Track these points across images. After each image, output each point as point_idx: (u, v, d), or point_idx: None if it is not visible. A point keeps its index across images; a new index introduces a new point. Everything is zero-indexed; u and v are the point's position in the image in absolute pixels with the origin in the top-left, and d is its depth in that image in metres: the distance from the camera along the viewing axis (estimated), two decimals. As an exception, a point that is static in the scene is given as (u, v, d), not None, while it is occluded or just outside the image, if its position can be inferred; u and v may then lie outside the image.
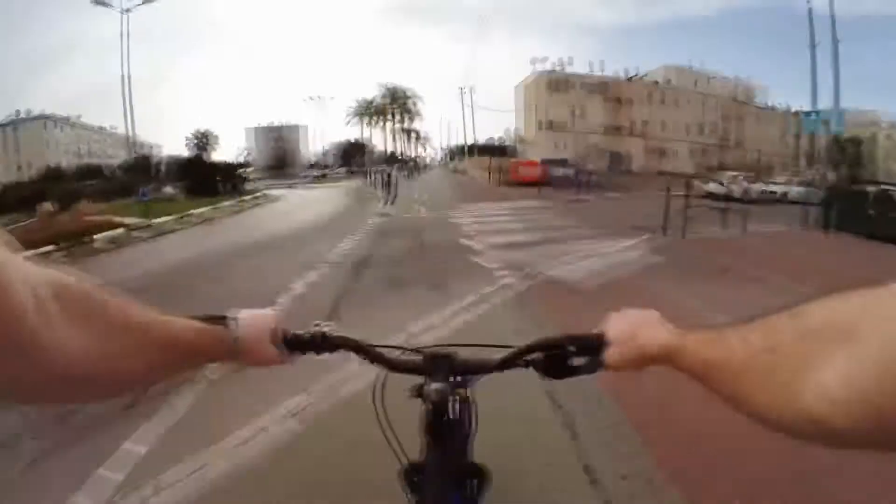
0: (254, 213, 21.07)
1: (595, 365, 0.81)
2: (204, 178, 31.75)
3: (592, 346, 0.81)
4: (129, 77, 29.31)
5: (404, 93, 31.13)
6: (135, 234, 13.41)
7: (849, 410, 0.36)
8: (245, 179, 37.97)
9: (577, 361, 0.84)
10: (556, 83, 52.52)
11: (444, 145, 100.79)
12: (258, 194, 30.48)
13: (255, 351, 0.78)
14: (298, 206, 22.81)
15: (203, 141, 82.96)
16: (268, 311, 0.84)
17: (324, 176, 56.03)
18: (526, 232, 11.15)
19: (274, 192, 35.67)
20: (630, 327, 0.76)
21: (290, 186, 47.16)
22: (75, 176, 49.42)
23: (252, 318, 0.79)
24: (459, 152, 69.32)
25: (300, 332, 0.87)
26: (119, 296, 0.53)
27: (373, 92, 31.84)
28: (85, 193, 27.54)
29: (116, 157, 60.17)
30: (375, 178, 32.14)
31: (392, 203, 18.83)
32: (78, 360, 0.44)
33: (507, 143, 67.25)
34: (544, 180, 26.73)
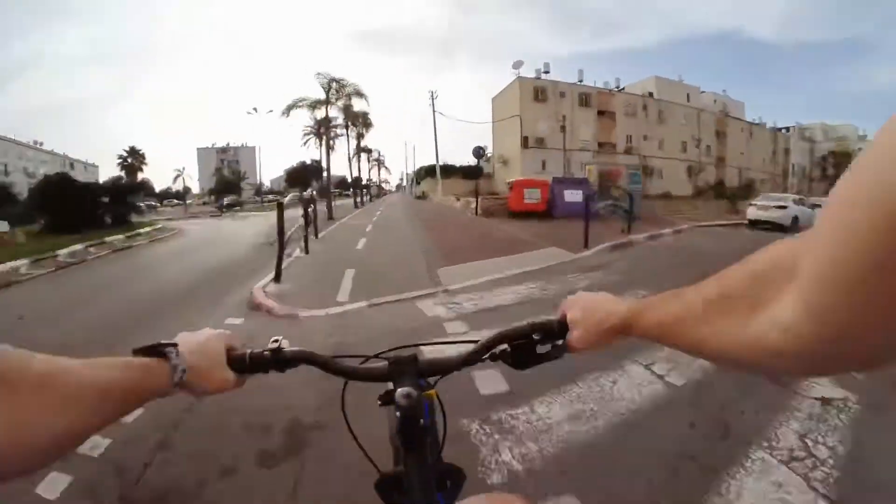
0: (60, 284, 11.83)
1: (562, 349, 0.82)
2: (74, 207, 23.06)
3: (556, 332, 0.82)
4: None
5: (343, 85, 22.38)
6: None
7: (801, 335, 0.39)
8: (136, 207, 29.31)
9: (543, 349, 0.84)
10: (543, 91, 44.58)
11: (409, 170, 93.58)
12: (141, 231, 21.80)
13: (206, 378, 0.73)
14: (160, 261, 13.56)
15: (133, 160, 73.91)
16: (216, 332, 0.80)
17: (235, 205, 47.13)
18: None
19: (176, 224, 27.02)
20: (587, 308, 0.78)
21: (218, 214, 38.20)
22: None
23: (199, 344, 0.74)
24: (426, 174, 60.76)
25: (255, 350, 0.83)
26: (31, 352, 0.49)
27: (316, 91, 22.34)
28: None
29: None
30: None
31: (305, 252, 10.07)
32: (4, 434, 0.41)
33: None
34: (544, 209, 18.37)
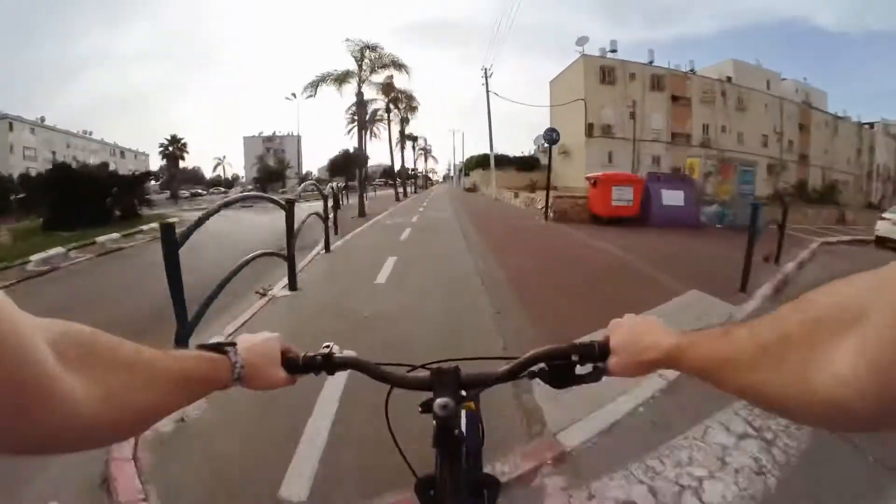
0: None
1: (600, 373, 0.82)
2: (78, 200, 20.75)
3: (597, 355, 0.81)
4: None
5: (379, 53, 18.27)
6: None
7: (863, 391, 0.36)
8: (147, 199, 26.51)
9: (582, 370, 0.83)
10: (610, 72, 39.50)
11: (457, 160, 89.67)
12: (143, 228, 18.86)
13: (262, 375, 0.81)
14: (142, 271, 10.25)
15: (174, 148, 72.72)
16: (271, 335, 0.86)
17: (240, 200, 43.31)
18: None
19: (198, 216, 23.78)
20: (632, 334, 0.77)
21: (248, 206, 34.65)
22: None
23: (256, 344, 0.82)
24: (476, 164, 56.35)
25: (309, 353, 0.89)
26: (120, 337, 0.54)
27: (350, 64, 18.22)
28: None
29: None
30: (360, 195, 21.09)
31: (290, 288, 6.29)
32: (93, 404, 0.45)
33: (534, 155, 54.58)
34: (637, 213, 13.99)
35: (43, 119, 73.65)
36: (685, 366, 0.64)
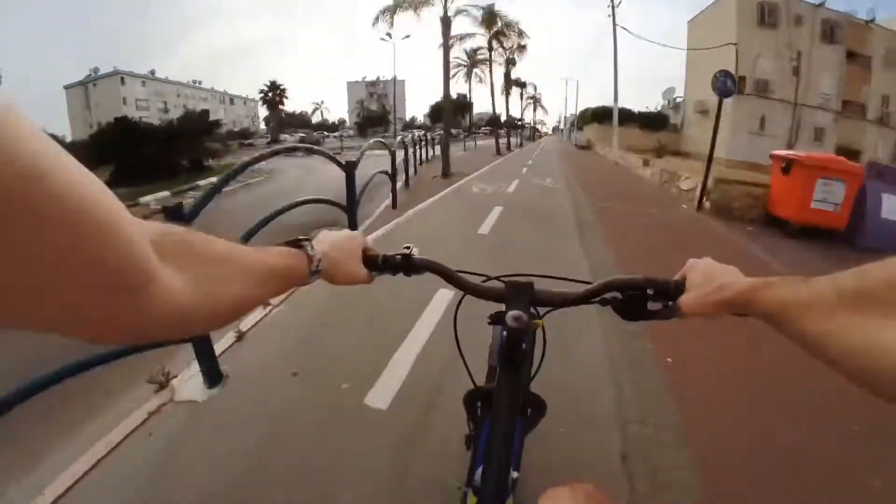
0: None
1: (672, 311, 0.79)
2: (140, 154, 21.36)
3: (671, 292, 0.80)
4: None
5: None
6: None
7: None
8: (213, 152, 26.13)
9: (654, 306, 0.82)
10: (772, 11, 31.87)
11: (568, 112, 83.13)
12: (200, 184, 17.79)
13: (342, 270, 0.83)
14: None
15: (273, 94, 74.44)
16: (355, 233, 0.89)
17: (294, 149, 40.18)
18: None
19: (276, 165, 22.01)
20: (708, 273, 0.77)
21: (315, 151, 31.53)
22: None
23: (338, 240, 0.85)
24: (592, 118, 50.31)
25: (389, 253, 0.92)
26: (210, 234, 0.57)
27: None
28: None
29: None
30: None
31: (205, 390, 3.20)
32: (191, 293, 0.47)
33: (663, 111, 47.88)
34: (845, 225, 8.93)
35: (154, 72, 79.30)
36: (757, 308, 0.61)
